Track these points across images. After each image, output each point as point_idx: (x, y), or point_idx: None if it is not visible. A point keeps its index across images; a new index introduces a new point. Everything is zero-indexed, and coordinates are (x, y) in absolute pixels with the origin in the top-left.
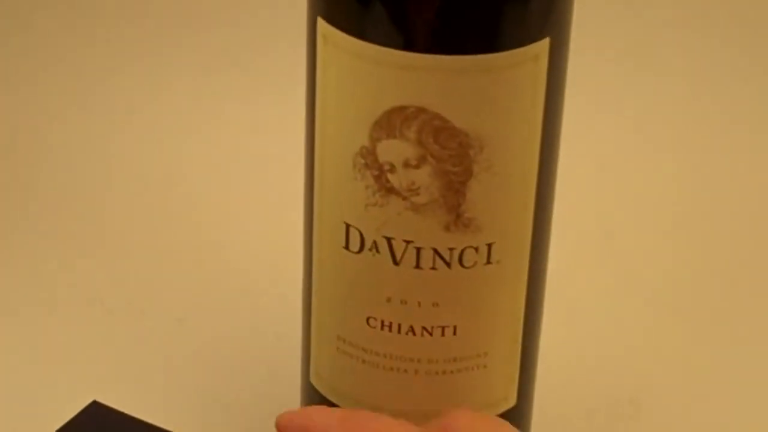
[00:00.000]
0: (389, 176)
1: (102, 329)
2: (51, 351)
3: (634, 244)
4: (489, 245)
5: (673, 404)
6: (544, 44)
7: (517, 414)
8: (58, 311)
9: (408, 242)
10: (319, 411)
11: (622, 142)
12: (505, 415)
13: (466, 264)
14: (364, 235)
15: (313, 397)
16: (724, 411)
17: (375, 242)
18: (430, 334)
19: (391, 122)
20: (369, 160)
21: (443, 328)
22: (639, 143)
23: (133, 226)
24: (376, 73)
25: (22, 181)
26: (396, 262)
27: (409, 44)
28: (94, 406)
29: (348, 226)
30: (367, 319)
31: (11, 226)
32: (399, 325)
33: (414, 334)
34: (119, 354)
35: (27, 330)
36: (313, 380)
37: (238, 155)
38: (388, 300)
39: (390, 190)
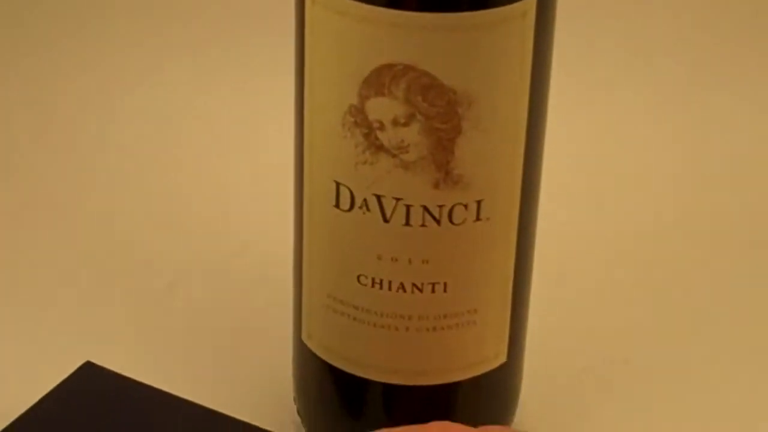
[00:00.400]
0: (378, 134)
1: (94, 290)
2: (43, 312)
3: (625, 202)
4: (478, 202)
5: (667, 364)
6: (531, 1)
7: (508, 371)
8: (51, 273)
9: (398, 200)
10: None
11: (612, 100)
12: (495, 372)
13: (455, 221)
14: (354, 194)
15: (305, 356)
16: (716, 371)
17: (365, 200)
18: (421, 291)
19: (379, 80)
20: (358, 118)
21: (433, 284)
22: (629, 100)
23: (124, 188)
24: (363, 32)
25: (14, 148)
26: (386, 220)
27: (396, 2)
28: (88, 366)
29: (338, 184)
30: (358, 277)
31: (2, 189)
32: (390, 283)
33: (404, 291)
34: (112, 315)
35: (19, 292)
36: (305, 339)
37: (227, 117)
38: (379, 257)
39: (379, 148)
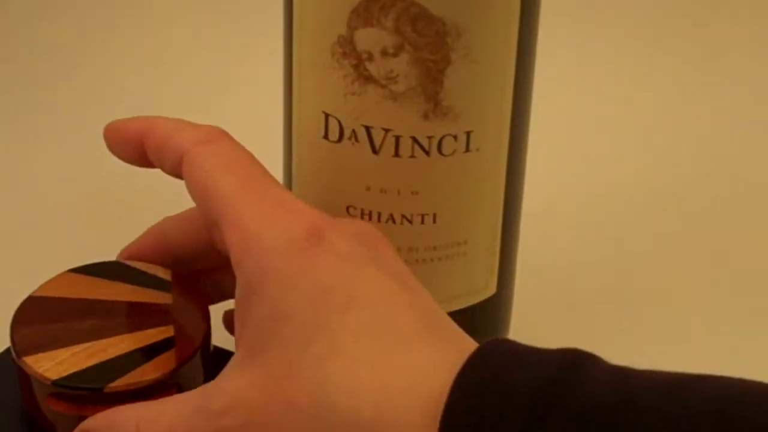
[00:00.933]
0: (367, 65)
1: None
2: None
3: (616, 134)
4: (468, 133)
5: (657, 297)
6: None
7: (497, 302)
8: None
9: (387, 131)
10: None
11: (605, 32)
12: (485, 303)
13: (444, 152)
14: (343, 125)
15: None
16: (706, 303)
17: (354, 131)
18: (410, 222)
19: (368, 10)
20: (347, 48)
21: (423, 216)
22: (622, 33)
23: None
24: None
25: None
26: (375, 151)
27: None
28: None
29: (327, 115)
30: (347, 208)
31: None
32: (379, 214)
33: (394, 222)
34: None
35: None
36: None
37: (217, 48)
38: (368, 189)
39: (368, 79)
